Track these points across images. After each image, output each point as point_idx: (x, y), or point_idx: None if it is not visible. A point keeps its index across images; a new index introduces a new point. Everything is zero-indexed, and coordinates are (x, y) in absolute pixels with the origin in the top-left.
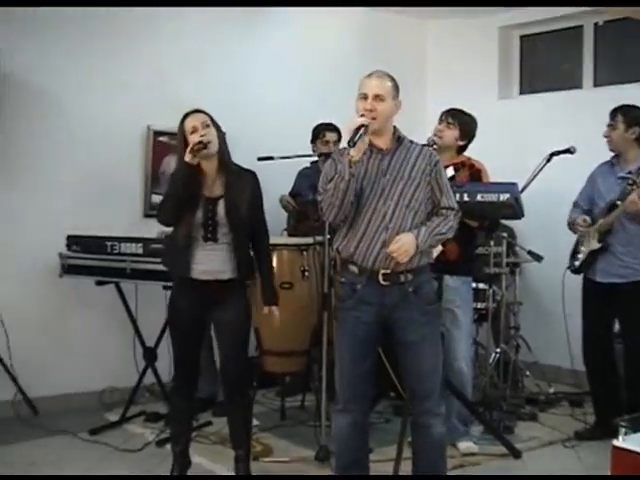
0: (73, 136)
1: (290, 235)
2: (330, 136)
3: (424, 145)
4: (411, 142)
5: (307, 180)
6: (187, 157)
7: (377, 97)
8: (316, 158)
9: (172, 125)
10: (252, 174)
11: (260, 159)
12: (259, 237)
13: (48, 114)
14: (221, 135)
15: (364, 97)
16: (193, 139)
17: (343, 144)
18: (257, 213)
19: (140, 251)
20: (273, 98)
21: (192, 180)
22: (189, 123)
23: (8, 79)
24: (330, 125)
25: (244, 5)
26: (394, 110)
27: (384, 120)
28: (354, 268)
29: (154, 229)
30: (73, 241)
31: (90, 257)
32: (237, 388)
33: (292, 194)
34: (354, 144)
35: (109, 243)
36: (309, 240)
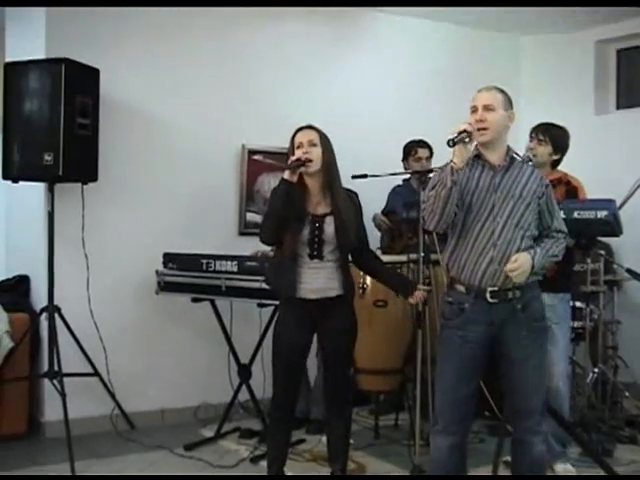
0: (169, 155)
1: (384, 253)
2: (422, 152)
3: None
4: (523, 162)
5: (400, 198)
6: (285, 174)
7: (486, 107)
8: (409, 176)
9: (266, 143)
10: (355, 195)
11: (355, 177)
12: (367, 252)
13: (145, 133)
14: (328, 154)
15: (474, 110)
16: (297, 154)
17: (436, 162)
18: (363, 233)
19: (235, 269)
20: (367, 115)
21: (293, 197)
22: (298, 138)
23: (106, 99)
24: (421, 142)
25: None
26: (506, 121)
27: (496, 131)
28: (461, 287)
29: (249, 247)
30: (169, 259)
31: (186, 274)
32: (342, 402)
33: (385, 212)
34: (453, 144)
35: (204, 261)
36: (403, 258)
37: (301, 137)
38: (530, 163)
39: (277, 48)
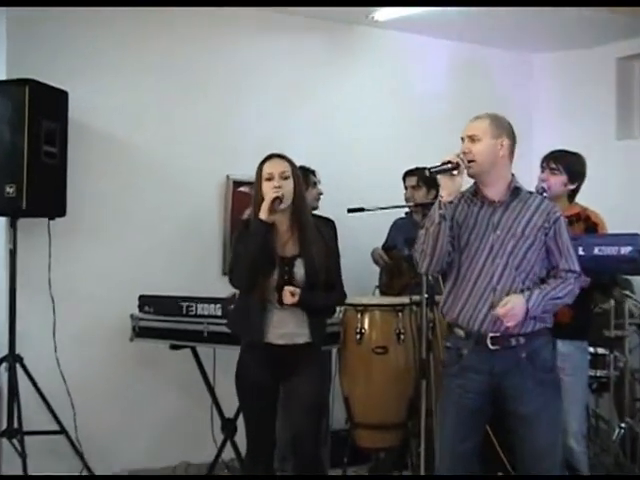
0: (147, 187)
1: (383, 293)
2: (408, 181)
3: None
4: (530, 193)
5: (401, 232)
6: (263, 214)
7: (471, 138)
8: (410, 208)
9: (253, 174)
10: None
11: (351, 211)
12: (330, 293)
13: (119, 162)
14: (299, 186)
15: (464, 141)
16: (266, 189)
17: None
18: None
19: (219, 312)
20: (366, 141)
21: (268, 239)
22: (267, 169)
23: (76, 125)
24: (410, 170)
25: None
26: (496, 151)
27: (484, 163)
28: (460, 331)
29: (231, 289)
30: (145, 301)
31: (164, 319)
32: (310, 466)
33: (385, 247)
34: (430, 174)
35: (185, 304)
36: (405, 300)
37: (271, 168)
38: (545, 194)
39: (265, 71)
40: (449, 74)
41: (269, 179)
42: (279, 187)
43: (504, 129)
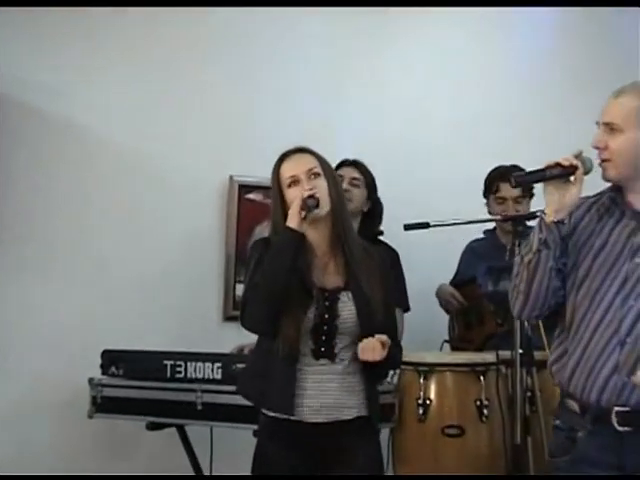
0: (116, 196)
1: (455, 349)
2: (506, 190)
3: None
4: None
5: (480, 260)
6: (292, 221)
7: (607, 127)
8: (493, 224)
9: (266, 175)
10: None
11: (409, 227)
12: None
13: (72, 159)
14: (336, 188)
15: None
16: (292, 195)
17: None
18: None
19: (218, 375)
20: (422, 135)
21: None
22: (286, 171)
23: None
24: (509, 170)
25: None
26: None
27: (625, 165)
28: (573, 404)
29: (237, 339)
30: (112, 359)
31: (138, 385)
32: None
33: (457, 283)
34: (517, 184)
35: (169, 362)
36: (489, 357)
37: (293, 168)
38: None
39: (288, 41)
40: (536, 40)
41: (294, 183)
42: (312, 189)
43: None
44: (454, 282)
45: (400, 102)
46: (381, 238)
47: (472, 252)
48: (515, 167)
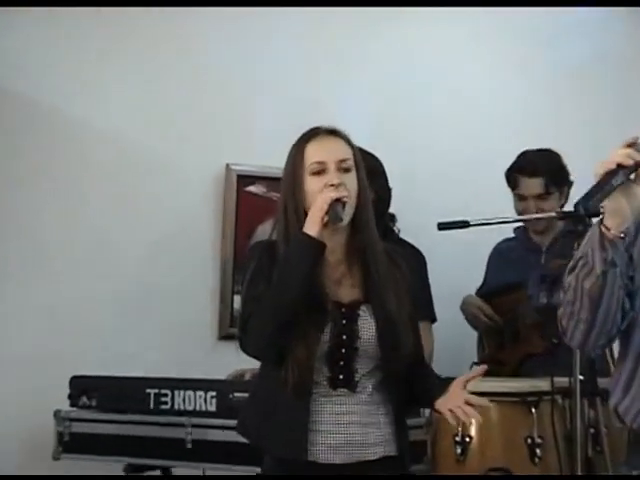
0: (89, 188)
1: (487, 374)
2: (526, 185)
3: None
4: None
5: (510, 265)
6: (313, 227)
7: None
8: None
9: (269, 163)
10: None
11: (444, 227)
12: (419, 367)
13: (38, 142)
14: (364, 186)
15: None
16: (315, 186)
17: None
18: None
19: (212, 407)
20: (451, 116)
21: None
22: (313, 154)
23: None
24: (530, 162)
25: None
26: None
27: None
28: None
29: (236, 363)
30: (82, 387)
31: (115, 419)
32: None
33: (485, 293)
34: (595, 209)
35: (152, 391)
36: (542, 384)
37: (323, 152)
38: None
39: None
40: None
41: (319, 172)
42: (340, 185)
43: None
44: (481, 292)
45: (401, 86)
46: (404, 237)
47: (500, 256)
48: (531, 159)
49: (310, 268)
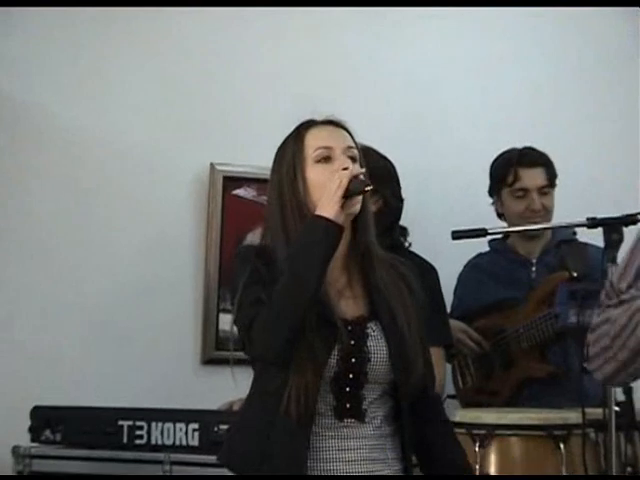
0: (60, 193)
1: (469, 405)
2: (528, 177)
3: None
4: None
5: (495, 280)
6: (330, 208)
7: None
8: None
9: (259, 163)
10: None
11: (458, 235)
12: (430, 400)
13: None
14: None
15: None
16: (320, 176)
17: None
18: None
19: (194, 441)
20: (462, 114)
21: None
22: (317, 139)
23: None
24: (527, 153)
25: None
26: None
27: None
28: None
29: (221, 391)
30: (45, 419)
31: (83, 456)
32: None
33: (462, 315)
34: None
35: (126, 423)
36: (572, 416)
37: (328, 138)
38: None
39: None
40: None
41: (326, 159)
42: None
43: None
44: (457, 314)
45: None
46: (412, 249)
47: (480, 272)
48: (528, 152)
49: (331, 256)
